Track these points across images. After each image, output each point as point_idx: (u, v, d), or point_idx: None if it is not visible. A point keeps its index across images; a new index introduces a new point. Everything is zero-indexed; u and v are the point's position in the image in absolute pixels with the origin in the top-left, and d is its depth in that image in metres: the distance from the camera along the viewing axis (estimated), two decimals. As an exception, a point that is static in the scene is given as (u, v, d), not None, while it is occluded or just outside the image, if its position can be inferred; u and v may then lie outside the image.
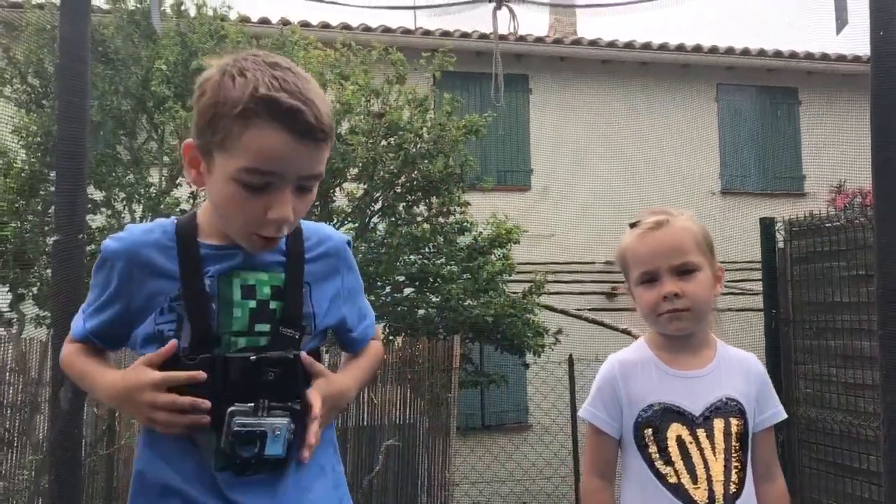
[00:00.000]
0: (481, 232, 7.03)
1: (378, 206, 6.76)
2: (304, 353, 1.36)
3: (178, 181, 6.32)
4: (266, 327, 1.35)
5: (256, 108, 1.23)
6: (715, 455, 1.69)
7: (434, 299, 6.77)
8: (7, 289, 5.91)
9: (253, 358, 1.30)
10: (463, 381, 6.89)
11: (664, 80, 10.98)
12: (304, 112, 1.24)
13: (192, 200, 6.22)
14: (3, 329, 5.91)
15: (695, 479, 1.67)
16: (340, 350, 1.61)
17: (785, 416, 1.82)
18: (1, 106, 6.15)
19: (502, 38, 7.14)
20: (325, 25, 9.61)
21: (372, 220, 6.76)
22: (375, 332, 1.61)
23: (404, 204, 6.79)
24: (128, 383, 1.32)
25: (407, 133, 6.51)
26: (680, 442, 1.70)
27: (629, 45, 10.81)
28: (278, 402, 1.29)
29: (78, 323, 1.44)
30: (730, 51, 11.10)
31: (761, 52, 11.19)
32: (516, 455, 8.39)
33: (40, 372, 5.58)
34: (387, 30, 9.90)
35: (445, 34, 9.94)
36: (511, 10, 5.70)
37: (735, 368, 1.78)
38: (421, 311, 6.76)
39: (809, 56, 11.26)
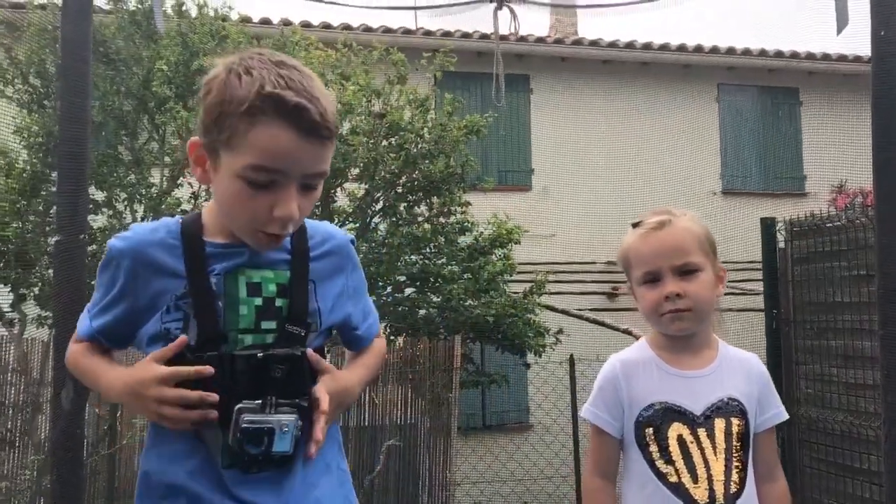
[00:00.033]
0: (482, 232, 7.03)
1: (379, 206, 6.76)
2: (310, 351, 1.36)
3: (179, 181, 6.33)
4: (272, 325, 1.36)
5: (263, 106, 1.24)
6: (716, 455, 1.69)
7: (435, 299, 6.77)
8: (9, 289, 5.91)
9: (260, 355, 1.30)
10: (464, 381, 6.89)
11: (665, 80, 10.98)
12: (310, 110, 1.25)
13: (193, 201, 6.23)
14: (5, 329, 5.92)
15: (695, 479, 1.68)
16: (344, 349, 1.61)
17: (786, 416, 1.82)
18: (3, 106, 6.16)
19: (503, 38, 7.15)
20: (326, 26, 9.62)
21: (373, 220, 6.76)
22: (379, 329, 1.62)
23: (405, 204, 6.79)
24: (136, 378, 1.32)
25: (408, 133, 6.52)
26: (681, 441, 1.70)
27: (630, 46, 10.81)
28: (285, 399, 1.30)
29: (84, 322, 1.45)
30: (731, 51, 11.09)
31: (762, 53, 11.19)
32: (517, 455, 8.39)
33: (42, 372, 5.59)
34: (388, 30, 9.91)
35: (446, 34, 9.94)
36: (512, 11, 5.71)
37: (737, 369, 1.79)
38: (422, 311, 6.76)
39: (810, 56, 11.26)
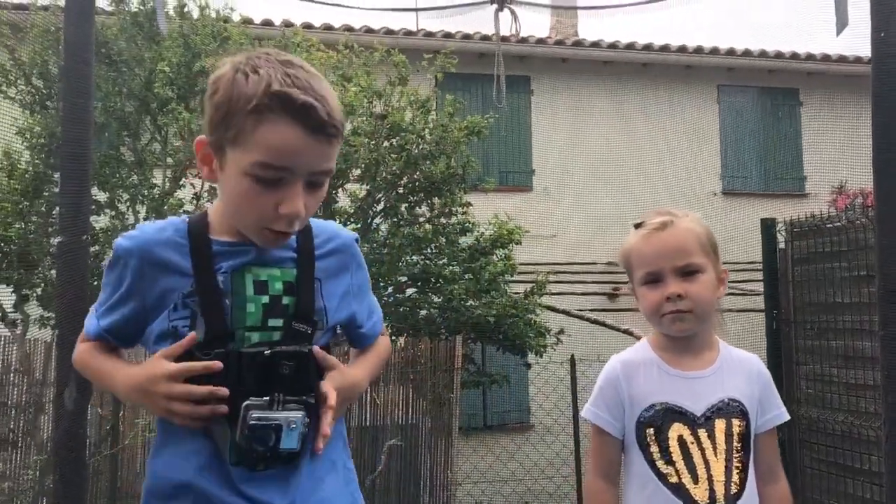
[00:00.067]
0: (483, 232, 7.03)
1: (380, 206, 6.77)
2: (316, 347, 1.37)
3: (181, 182, 6.34)
4: (279, 322, 1.37)
5: (270, 104, 1.25)
6: (716, 455, 1.70)
7: (436, 300, 6.78)
8: (11, 290, 5.93)
9: (268, 352, 1.31)
10: (465, 381, 6.90)
11: (665, 81, 10.99)
12: (317, 108, 1.26)
13: (195, 202, 6.24)
14: (7, 330, 5.93)
15: (695, 479, 1.68)
16: (349, 347, 1.62)
17: (787, 417, 1.83)
18: (6, 107, 6.17)
19: (504, 39, 7.16)
20: (328, 27, 9.63)
21: (374, 220, 6.77)
22: (383, 327, 1.63)
23: (406, 205, 6.80)
24: (145, 376, 1.33)
25: (409, 134, 6.53)
26: (681, 442, 1.70)
27: (630, 47, 10.82)
28: (293, 396, 1.31)
29: (91, 321, 1.46)
30: (731, 52, 11.10)
31: (762, 54, 11.19)
32: (518, 455, 8.40)
33: (44, 372, 5.60)
34: (389, 31, 9.91)
35: (447, 36, 9.95)
36: (513, 12, 5.71)
37: (738, 370, 1.79)
38: (423, 312, 6.76)
39: (810, 57, 11.26)
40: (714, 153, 11.16)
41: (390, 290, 6.69)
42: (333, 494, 1.42)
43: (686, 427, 1.71)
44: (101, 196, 6.17)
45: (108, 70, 6.16)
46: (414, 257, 6.72)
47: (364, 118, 6.51)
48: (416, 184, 6.70)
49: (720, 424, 1.71)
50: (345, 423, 1.56)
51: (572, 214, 10.02)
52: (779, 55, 11.22)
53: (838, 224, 4.72)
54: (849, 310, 4.57)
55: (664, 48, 10.92)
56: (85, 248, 2.91)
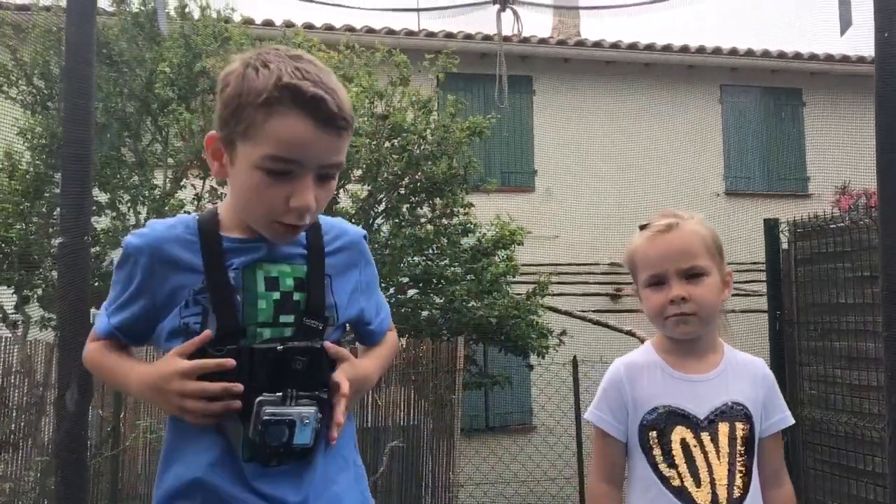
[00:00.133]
0: (485, 233, 7.03)
1: (382, 207, 6.77)
2: (327, 342, 1.37)
3: (182, 183, 6.34)
4: (290, 318, 1.37)
5: (280, 97, 1.25)
6: (719, 459, 1.68)
7: (438, 301, 6.77)
8: (12, 291, 5.93)
9: (280, 348, 1.31)
10: (467, 382, 6.89)
11: (668, 81, 10.97)
12: (327, 100, 1.26)
13: (196, 202, 6.24)
14: (9, 331, 5.93)
15: (698, 483, 1.67)
16: (358, 343, 1.62)
17: (792, 421, 1.81)
18: (7, 107, 6.17)
19: (506, 39, 7.15)
20: (329, 27, 9.62)
21: (376, 221, 6.77)
22: (391, 323, 1.63)
23: (408, 205, 6.80)
24: (158, 374, 1.33)
25: (411, 135, 6.52)
26: (684, 445, 1.69)
27: (633, 47, 10.81)
28: (305, 392, 1.31)
29: (102, 320, 1.45)
30: (734, 52, 11.08)
31: (765, 54, 11.17)
32: (520, 456, 8.39)
33: (46, 374, 5.61)
34: (390, 31, 9.91)
35: (449, 36, 9.94)
36: (515, 12, 5.71)
37: (742, 373, 1.78)
38: (425, 313, 6.76)
39: (814, 57, 11.24)
40: (717, 153, 11.14)
41: (392, 291, 6.69)
42: (345, 491, 1.42)
43: (689, 430, 1.70)
44: (103, 197, 6.18)
45: (109, 71, 6.16)
46: (415, 258, 6.72)
47: (365, 119, 6.50)
48: (418, 184, 6.70)
49: (723, 428, 1.70)
50: (354, 423, 1.55)
51: (574, 215, 10.01)
52: (782, 55, 11.21)
53: (842, 225, 4.71)
54: (852, 311, 4.56)
55: (666, 48, 10.91)
56: (86, 249, 2.91)
